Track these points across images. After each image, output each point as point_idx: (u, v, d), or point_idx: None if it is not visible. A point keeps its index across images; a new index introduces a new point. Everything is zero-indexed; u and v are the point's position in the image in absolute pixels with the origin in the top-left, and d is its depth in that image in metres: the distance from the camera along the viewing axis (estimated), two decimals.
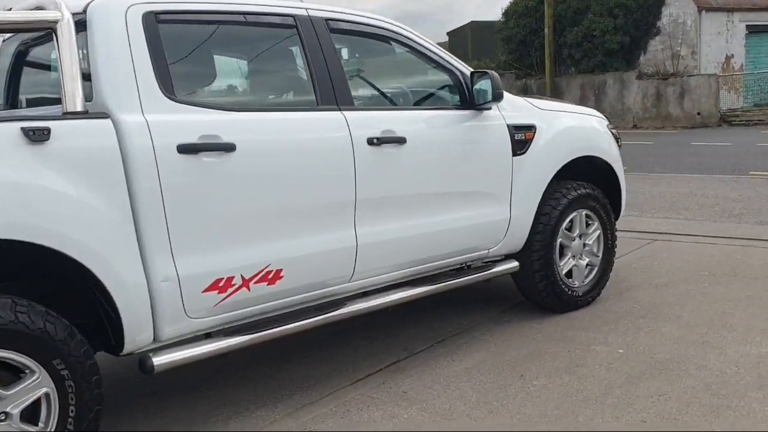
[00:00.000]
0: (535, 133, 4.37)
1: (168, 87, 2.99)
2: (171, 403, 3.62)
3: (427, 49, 4.00)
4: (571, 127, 4.62)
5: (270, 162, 3.19)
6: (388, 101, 4.08)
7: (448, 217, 3.95)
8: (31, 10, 2.98)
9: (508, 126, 4.22)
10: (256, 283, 3.19)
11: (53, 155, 2.64)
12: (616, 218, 5.06)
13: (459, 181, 3.98)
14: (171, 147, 2.90)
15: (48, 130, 2.63)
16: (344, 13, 3.70)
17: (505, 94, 4.32)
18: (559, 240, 4.56)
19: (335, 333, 4.38)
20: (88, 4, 2.98)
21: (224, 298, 3.11)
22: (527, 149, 4.31)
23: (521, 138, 4.29)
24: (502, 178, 4.20)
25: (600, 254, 4.86)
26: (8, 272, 2.84)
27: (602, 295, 4.93)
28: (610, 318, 4.54)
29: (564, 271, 4.63)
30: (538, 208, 4.44)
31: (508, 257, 4.46)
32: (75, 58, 2.83)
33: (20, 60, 3.82)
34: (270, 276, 3.23)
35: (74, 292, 2.91)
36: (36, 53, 3.77)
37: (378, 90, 4.00)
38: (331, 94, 3.49)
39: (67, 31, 2.83)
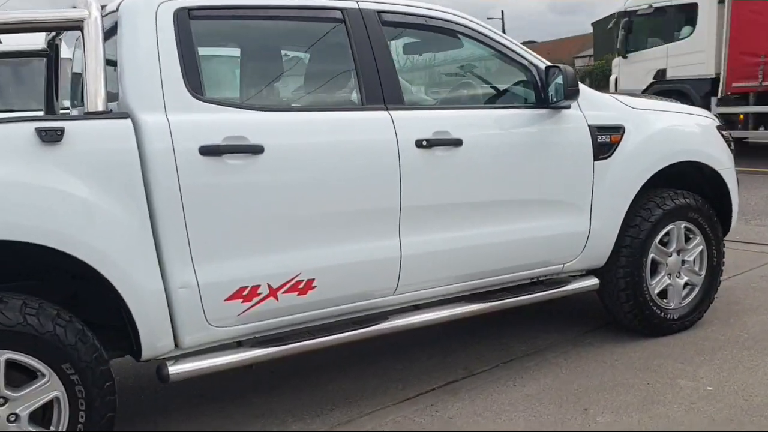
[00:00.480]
0: (623, 134, 3.88)
1: (196, 86, 2.87)
2: (208, 409, 3.53)
3: (496, 41, 3.65)
4: (667, 128, 4.08)
5: (301, 165, 3.00)
6: (446, 100, 3.77)
7: (513, 227, 3.58)
8: (69, 8, 2.97)
9: (589, 127, 3.78)
10: (285, 293, 3.02)
11: (67, 156, 2.59)
12: (726, 232, 4.45)
13: (527, 188, 3.60)
14: (193, 149, 2.78)
15: (62, 130, 2.58)
16: (400, 4, 3.43)
17: (590, 91, 3.90)
18: (650, 256, 4.05)
19: (394, 345, 4.13)
20: (122, 1, 2.92)
21: (249, 308, 2.96)
22: (612, 153, 3.84)
23: (605, 140, 3.82)
24: (581, 186, 3.77)
25: (702, 273, 4.28)
26: (35, 272, 2.85)
27: (705, 318, 4.35)
28: (708, 347, 3.97)
29: (656, 291, 4.11)
30: (625, 218, 3.96)
31: (590, 273, 4.03)
32: (100, 58, 2.78)
33: None
34: (301, 286, 3.05)
35: (99, 295, 2.87)
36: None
37: (436, 87, 3.70)
38: (378, 92, 3.25)
39: (93, 30, 2.78)
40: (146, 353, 2.84)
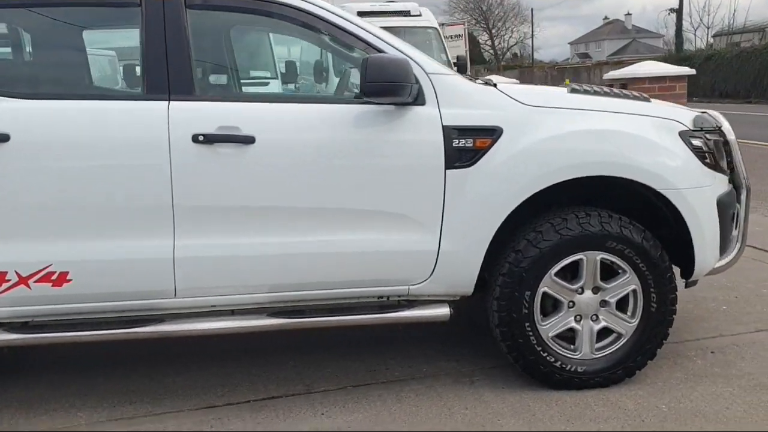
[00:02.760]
0: (496, 139, 3.14)
1: None
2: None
3: (333, 24, 3.15)
4: (571, 133, 3.17)
5: (48, 156, 2.95)
6: (254, 91, 3.36)
7: (325, 238, 3.13)
8: None
9: (444, 128, 3.12)
10: (36, 282, 3.03)
11: None
12: (688, 275, 3.40)
13: (343, 196, 3.10)
14: None
15: None
16: None
17: (460, 83, 3.24)
18: (541, 289, 3.25)
19: (274, 342, 3.92)
20: None
21: (1, 292, 3.04)
22: (476, 161, 3.13)
23: (466, 145, 3.13)
24: (423, 198, 3.14)
25: (634, 320, 3.33)
26: None
27: (642, 377, 3.42)
28: (587, 416, 3.12)
29: (552, 333, 3.31)
30: (510, 240, 3.24)
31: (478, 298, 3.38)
32: None
33: None
34: (53, 277, 3.04)
35: None
36: None
37: (252, 77, 3.32)
38: (164, 81, 3.04)
39: None
40: None
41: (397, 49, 3.17)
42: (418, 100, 3.13)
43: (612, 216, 3.25)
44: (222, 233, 3.10)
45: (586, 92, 3.46)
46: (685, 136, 3.31)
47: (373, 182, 3.12)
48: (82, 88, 3.35)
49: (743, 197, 3.72)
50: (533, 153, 3.15)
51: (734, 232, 3.70)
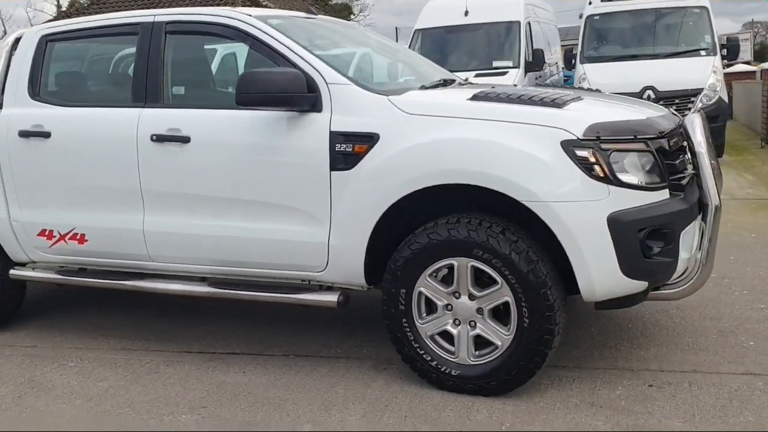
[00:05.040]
0: (372, 145, 3.36)
1: (36, 89, 4.26)
2: None
3: (264, 43, 3.69)
4: (435, 141, 3.22)
5: (69, 148, 4.07)
6: (200, 99, 3.96)
7: (243, 225, 3.71)
8: None
9: (331, 133, 3.45)
10: (69, 239, 4.21)
11: None
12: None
13: (252, 189, 3.65)
14: (14, 132, 4.22)
15: None
16: (189, 14, 3.95)
17: (353, 92, 3.54)
18: (418, 289, 3.39)
19: (294, 313, 4.51)
20: None
21: (53, 244, 4.27)
22: (355, 165, 3.40)
23: (346, 150, 3.41)
24: (314, 196, 3.51)
25: (510, 333, 3.26)
26: None
27: (530, 394, 3.31)
28: (432, 418, 3.20)
29: (430, 332, 3.42)
30: (395, 240, 3.45)
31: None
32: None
33: None
34: (78, 237, 4.18)
35: None
36: None
37: (197, 88, 4.00)
38: (142, 91, 3.94)
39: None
40: (14, 260, 4.49)
41: (307, 62, 3.59)
42: (316, 107, 3.52)
43: (482, 223, 3.23)
44: (171, 214, 3.89)
45: (487, 99, 3.41)
46: (568, 145, 3.09)
47: (276, 179, 3.61)
48: (95, 98, 4.43)
49: (710, 216, 3.31)
50: (397, 161, 3.32)
51: (686, 254, 3.29)
